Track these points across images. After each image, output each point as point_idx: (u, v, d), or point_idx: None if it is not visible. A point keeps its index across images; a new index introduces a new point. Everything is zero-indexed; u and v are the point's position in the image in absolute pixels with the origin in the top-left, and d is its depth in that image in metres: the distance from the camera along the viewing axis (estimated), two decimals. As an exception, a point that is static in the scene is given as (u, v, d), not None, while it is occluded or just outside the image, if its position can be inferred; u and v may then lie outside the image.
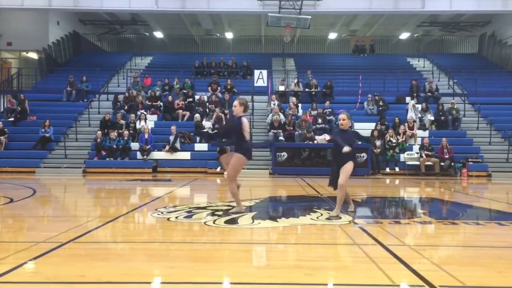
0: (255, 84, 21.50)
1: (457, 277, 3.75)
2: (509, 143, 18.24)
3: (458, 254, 4.92)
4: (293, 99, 20.39)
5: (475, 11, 23.73)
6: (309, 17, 20.53)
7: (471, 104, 21.37)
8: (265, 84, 21.42)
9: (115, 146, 17.59)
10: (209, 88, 21.84)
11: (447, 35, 32.79)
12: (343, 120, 6.98)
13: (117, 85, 23.57)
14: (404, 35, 31.83)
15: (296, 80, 21.97)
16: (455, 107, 19.91)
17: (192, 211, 7.24)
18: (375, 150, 17.22)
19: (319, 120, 18.87)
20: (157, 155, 17.93)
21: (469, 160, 17.27)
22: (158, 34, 31.87)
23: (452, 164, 17.17)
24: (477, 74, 22.95)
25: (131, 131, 18.38)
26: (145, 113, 19.71)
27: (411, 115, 19.30)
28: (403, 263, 4.20)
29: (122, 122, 18.85)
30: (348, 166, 6.75)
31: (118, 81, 23.88)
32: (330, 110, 19.65)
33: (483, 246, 5.23)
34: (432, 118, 19.58)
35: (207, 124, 18.96)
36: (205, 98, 20.62)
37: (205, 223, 6.24)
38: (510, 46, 26.07)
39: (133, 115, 19.07)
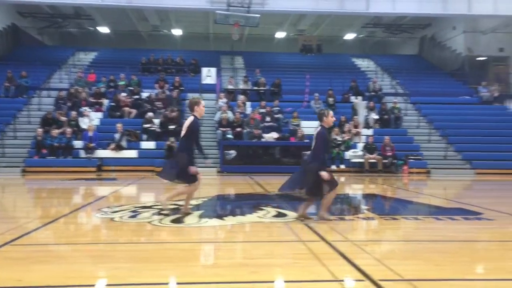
0: (203, 82, 21.37)
1: (397, 271, 3.89)
2: (447, 141, 19.15)
3: (398, 249, 5.10)
4: (241, 97, 20.44)
5: (416, 14, 24.62)
6: (258, 15, 20.59)
7: (412, 104, 22.22)
8: (214, 82, 21.34)
9: (56, 144, 16.97)
10: (156, 85, 21.49)
11: (390, 37, 33.86)
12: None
13: (59, 81, 22.73)
14: (350, 36, 32.58)
15: (244, 78, 22.01)
16: (397, 106, 20.64)
17: (138, 210, 7.10)
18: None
19: (268, 118, 19.00)
20: (102, 153, 17.44)
21: (410, 157, 17.95)
22: (103, 29, 30.93)
23: (394, 161, 17.78)
24: (418, 75, 23.88)
25: (74, 129, 17.79)
26: (89, 110, 19.13)
27: (362, 113, 19.90)
28: (345, 258, 4.31)
29: (64, 119, 18.19)
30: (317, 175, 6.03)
31: (60, 77, 23.03)
32: (278, 108, 19.85)
33: (422, 240, 5.45)
34: (377, 117, 20.20)
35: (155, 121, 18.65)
36: (153, 95, 20.27)
37: (150, 222, 6.15)
38: (449, 48, 27.32)
39: (74, 112, 18.46)
